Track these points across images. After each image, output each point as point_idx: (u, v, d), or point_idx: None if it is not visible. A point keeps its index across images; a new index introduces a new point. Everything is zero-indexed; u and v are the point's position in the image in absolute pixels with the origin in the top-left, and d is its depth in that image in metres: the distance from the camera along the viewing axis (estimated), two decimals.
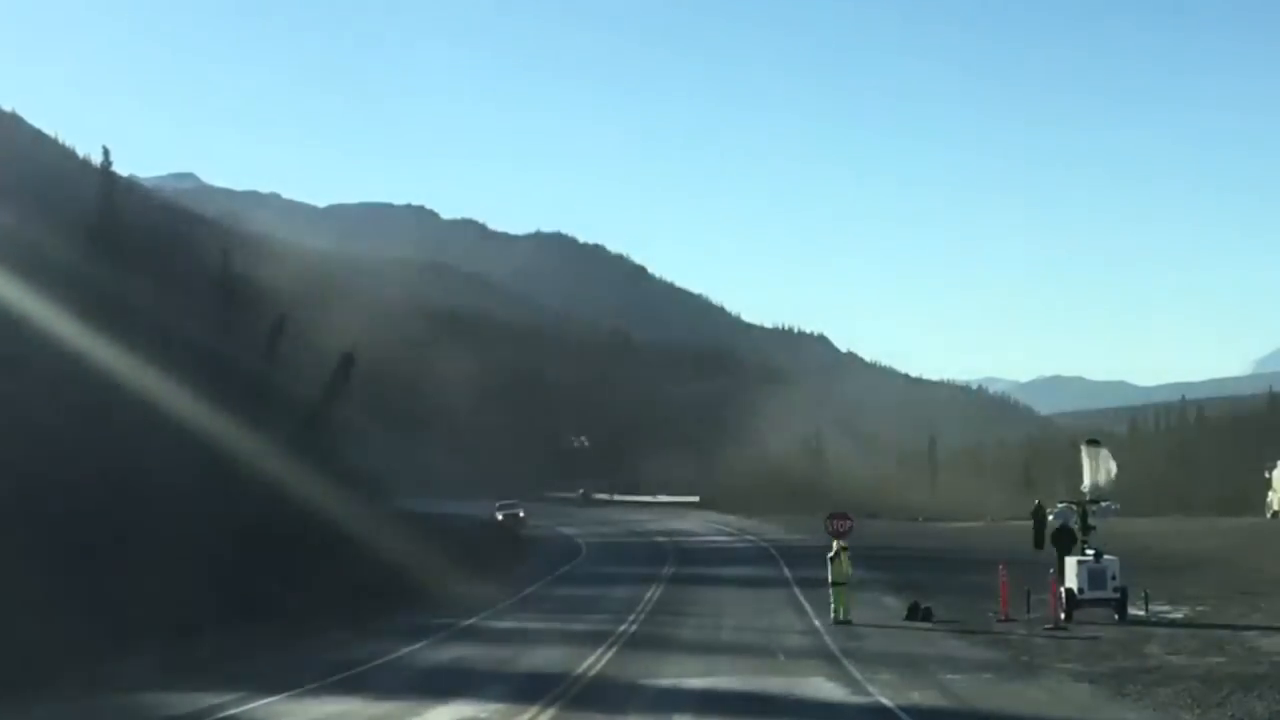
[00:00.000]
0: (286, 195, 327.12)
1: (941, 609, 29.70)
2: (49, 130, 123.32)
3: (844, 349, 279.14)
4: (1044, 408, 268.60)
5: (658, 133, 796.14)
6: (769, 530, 66.27)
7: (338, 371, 48.15)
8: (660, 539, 62.94)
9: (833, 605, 28.91)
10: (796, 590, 36.34)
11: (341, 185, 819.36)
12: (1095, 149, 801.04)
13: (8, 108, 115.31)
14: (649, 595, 36.32)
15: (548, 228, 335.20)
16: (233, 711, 18.53)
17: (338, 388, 47.67)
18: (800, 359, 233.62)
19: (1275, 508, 64.32)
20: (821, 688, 19.38)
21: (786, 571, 42.18)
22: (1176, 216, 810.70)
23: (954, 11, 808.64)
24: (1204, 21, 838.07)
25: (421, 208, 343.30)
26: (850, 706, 17.74)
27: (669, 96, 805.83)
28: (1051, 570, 27.53)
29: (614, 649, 24.59)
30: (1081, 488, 28.58)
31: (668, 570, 44.80)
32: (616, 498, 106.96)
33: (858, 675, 20.30)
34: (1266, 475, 67.51)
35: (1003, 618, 27.57)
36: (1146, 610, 26.93)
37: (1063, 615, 26.30)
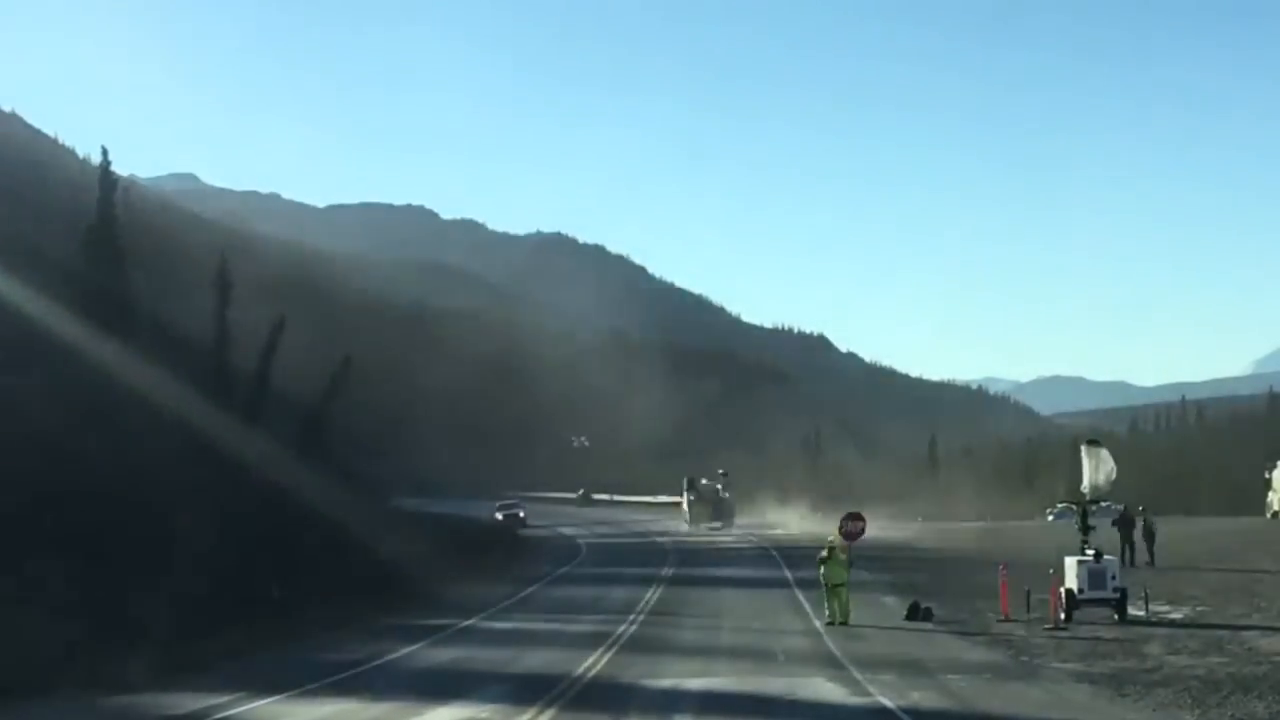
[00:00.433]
0: (286, 195, 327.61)
1: (941, 609, 29.68)
2: (49, 130, 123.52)
3: (844, 349, 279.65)
4: (1044, 408, 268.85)
5: (658, 133, 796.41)
6: (769, 530, 66.24)
7: (337, 372, 48.14)
8: (660, 539, 62.93)
9: (828, 607, 28.72)
10: (797, 591, 36.31)
11: (341, 185, 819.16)
12: (1095, 149, 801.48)
13: (7, 108, 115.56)
14: (649, 596, 36.30)
15: (548, 228, 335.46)
16: (231, 712, 18.52)
17: (337, 388, 47.66)
18: (800, 359, 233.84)
19: (1275, 508, 64.29)
20: (822, 688, 19.37)
21: (787, 572, 42.15)
22: (1176, 217, 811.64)
23: (952, 13, 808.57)
24: (1204, 23, 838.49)
25: (421, 208, 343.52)
26: (851, 707, 17.72)
27: (669, 97, 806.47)
28: (1051, 570, 27.52)
29: (613, 650, 24.58)
30: (1081, 488, 28.53)
31: (667, 571, 44.78)
32: (616, 498, 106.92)
33: (858, 676, 20.28)
34: (1266, 475, 67.46)
35: (1003, 618, 27.56)
36: (1146, 610, 26.90)
37: (1063, 615, 26.29)
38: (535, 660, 23.83)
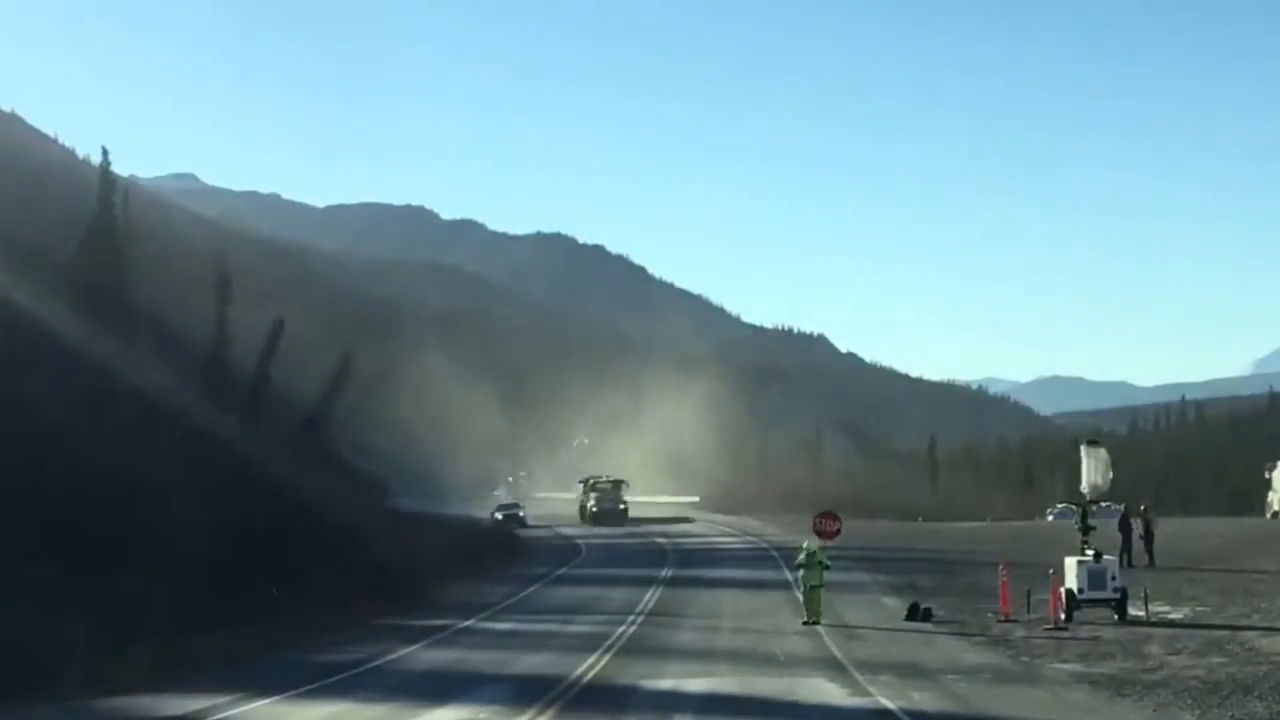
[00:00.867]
0: (286, 195, 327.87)
1: (941, 610, 29.66)
2: (49, 130, 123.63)
3: (844, 349, 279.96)
4: (1044, 408, 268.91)
5: (658, 133, 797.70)
6: (769, 531, 66.19)
7: (337, 372, 48.11)
8: (660, 539, 62.86)
9: (805, 608, 28.89)
10: (797, 593, 36.25)
11: (341, 185, 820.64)
12: (1095, 149, 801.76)
13: (7, 108, 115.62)
14: (648, 596, 36.27)
15: (548, 228, 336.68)
16: (227, 713, 18.47)
17: (337, 388, 47.63)
18: (800, 359, 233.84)
19: (1275, 508, 64.32)
20: (822, 689, 19.35)
21: (787, 574, 42.09)
22: (1177, 217, 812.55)
23: (953, 11, 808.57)
24: (1204, 24, 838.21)
25: (421, 208, 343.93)
26: (851, 707, 17.70)
27: (669, 97, 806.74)
28: (1051, 571, 27.50)
29: (613, 650, 24.55)
30: (1081, 488, 28.51)
31: (667, 571, 44.73)
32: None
33: (858, 676, 20.26)
34: (1266, 475, 67.50)
35: (1003, 618, 27.54)
36: (1146, 611, 26.87)
37: (1063, 616, 26.27)
38: (534, 661, 23.80)
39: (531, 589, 40.60)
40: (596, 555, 55.40)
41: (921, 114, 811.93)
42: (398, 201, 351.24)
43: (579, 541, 63.63)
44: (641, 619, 30.71)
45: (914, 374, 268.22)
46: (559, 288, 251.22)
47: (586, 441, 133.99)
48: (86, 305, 34.90)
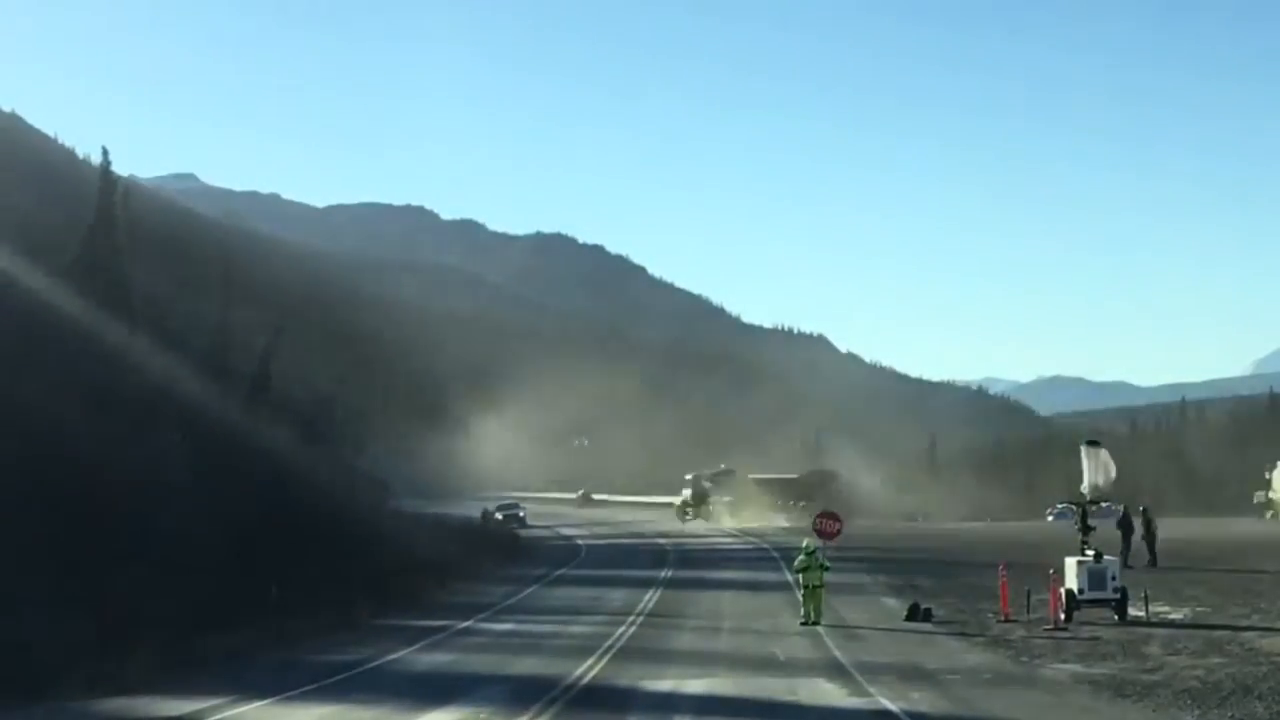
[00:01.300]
0: (286, 195, 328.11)
1: (942, 610, 29.65)
2: (49, 130, 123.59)
3: (844, 349, 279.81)
4: (1044, 408, 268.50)
5: (658, 133, 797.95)
6: (769, 531, 66.20)
7: (338, 371, 48.14)
8: (660, 540, 62.86)
9: (804, 608, 28.94)
10: (798, 594, 36.25)
11: (341, 185, 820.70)
12: (1095, 149, 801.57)
13: (7, 108, 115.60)
14: (648, 596, 36.26)
15: (548, 228, 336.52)
16: (226, 714, 18.47)
17: (337, 388, 47.66)
18: (800, 359, 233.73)
19: (1275, 508, 64.35)
20: (822, 689, 19.35)
21: (787, 574, 42.08)
22: (1177, 217, 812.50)
23: (952, 11, 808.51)
24: (1204, 25, 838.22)
25: (421, 208, 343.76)
26: (850, 707, 17.70)
27: (669, 97, 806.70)
28: (1052, 571, 27.50)
29: (613, 651, 24.54)
30: (1081, 488, 28.51)
31: (667, 572, 44.73)
32: (616, 498, 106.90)
33: (858, 676, 20.26)
34: (1266, 475, 67.58)
35: (1003, 619, 27.53)
36: (1146, 611, 26.86)
37: (1063, 616, 26.26)
38: (534, 662, 23.78)
39: (531, 589, 40.60)
40: (596, 556, 55.39)
41: (922, 114, 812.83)
42: (398, 201, 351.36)
43: (579, 542, 63.64)
44: (641, 620, 30.70)
45: (914, 374, 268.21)
46: (559, 288, 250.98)
47: (586, 442, 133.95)
48: (86, 306, 34.89)
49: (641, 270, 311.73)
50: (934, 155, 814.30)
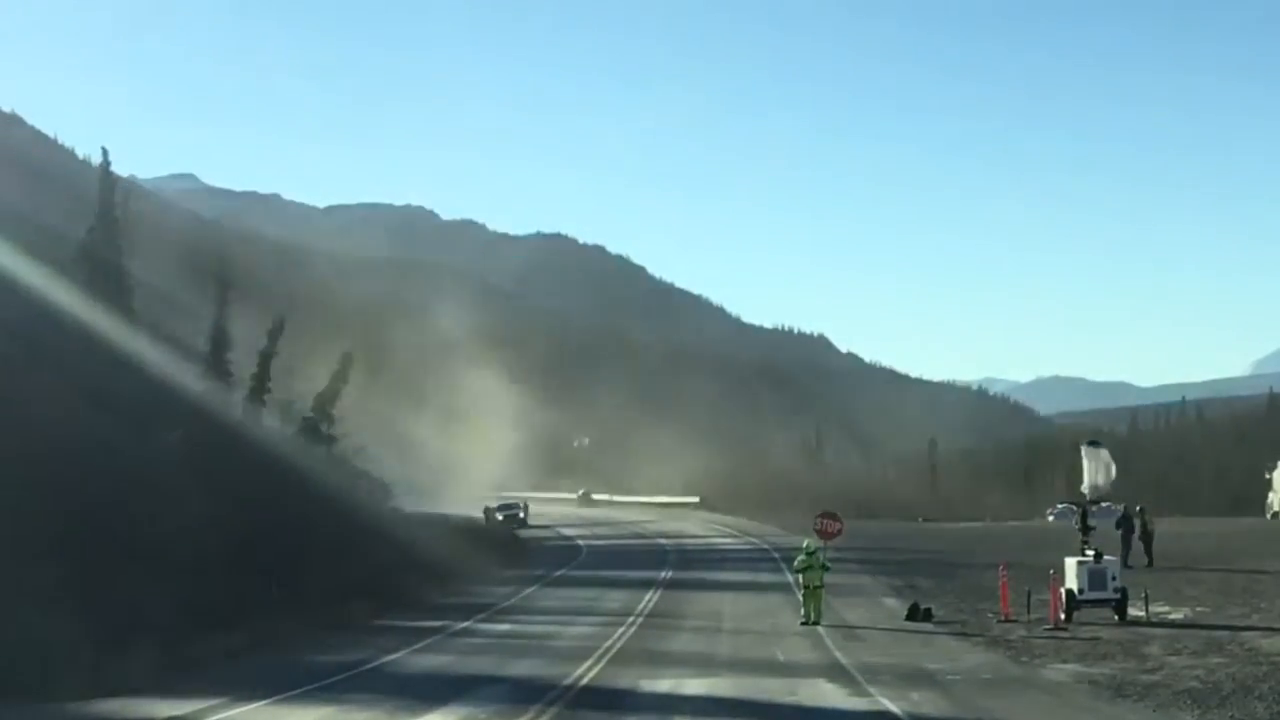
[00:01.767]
0: (286, 195, 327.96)
1: (942, 610, 29.65)
2: (49, 130, 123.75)
3: (844, 349, 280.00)
4: (1044, 408, 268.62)
5: (658, 133, 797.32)
6: (769, 531, 66.18)
7: (338, 371, 48.10)
8: (660, 540, 62.87)
9: (804, 608, 28.94)
10: (798, 593, 36.27)
11: (341, 185, 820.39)
12: (1095, 150, 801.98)
13: (7, 108, 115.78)
14: (648, 597, 36.27)
15: (548, 228, 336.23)
16: (225, 714, 18.44)
17: (337, 388, 47.61)
18: (800, 359, 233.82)
19: (1275, 508, 64.28)
20: (822, 689, 19.35)
21: (787, 575, 42.09)
22: (1177, 217, 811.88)
23: (952, 13, 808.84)
24: (1204, 24, 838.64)
25: (421, 208, 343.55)
26: (851, 708, 17.70)
27: (669, 97, 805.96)
28: (1052, 571, 27.50)
29: (612, 650, 24.54)
30: (1081, 488, 28.50)
31: (667, 572, 44.73)
32: (616, 498, 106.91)
33: (858, 676, 20.26)
34: (1267, 476, 67.49)
35: (1003, 619, 27.53)
36: (1146, 611, 26.86)
37: (1063, 616, 26.26)
38: (534, 662, 23.78)
39: (531, 590, 40.59)
40: (596, 556, 55.39)
41: (922, 115, 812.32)
42: (398, 201, 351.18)
43: (580, 542, 63.63)
44: (641, 620, 30.70)
45: (914, 374, 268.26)
46: (559, 288, 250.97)
47: (587, 441, 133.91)
48: (86, 305, 34.89)
49: (641, 270, 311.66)
50: (934, 156, 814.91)
